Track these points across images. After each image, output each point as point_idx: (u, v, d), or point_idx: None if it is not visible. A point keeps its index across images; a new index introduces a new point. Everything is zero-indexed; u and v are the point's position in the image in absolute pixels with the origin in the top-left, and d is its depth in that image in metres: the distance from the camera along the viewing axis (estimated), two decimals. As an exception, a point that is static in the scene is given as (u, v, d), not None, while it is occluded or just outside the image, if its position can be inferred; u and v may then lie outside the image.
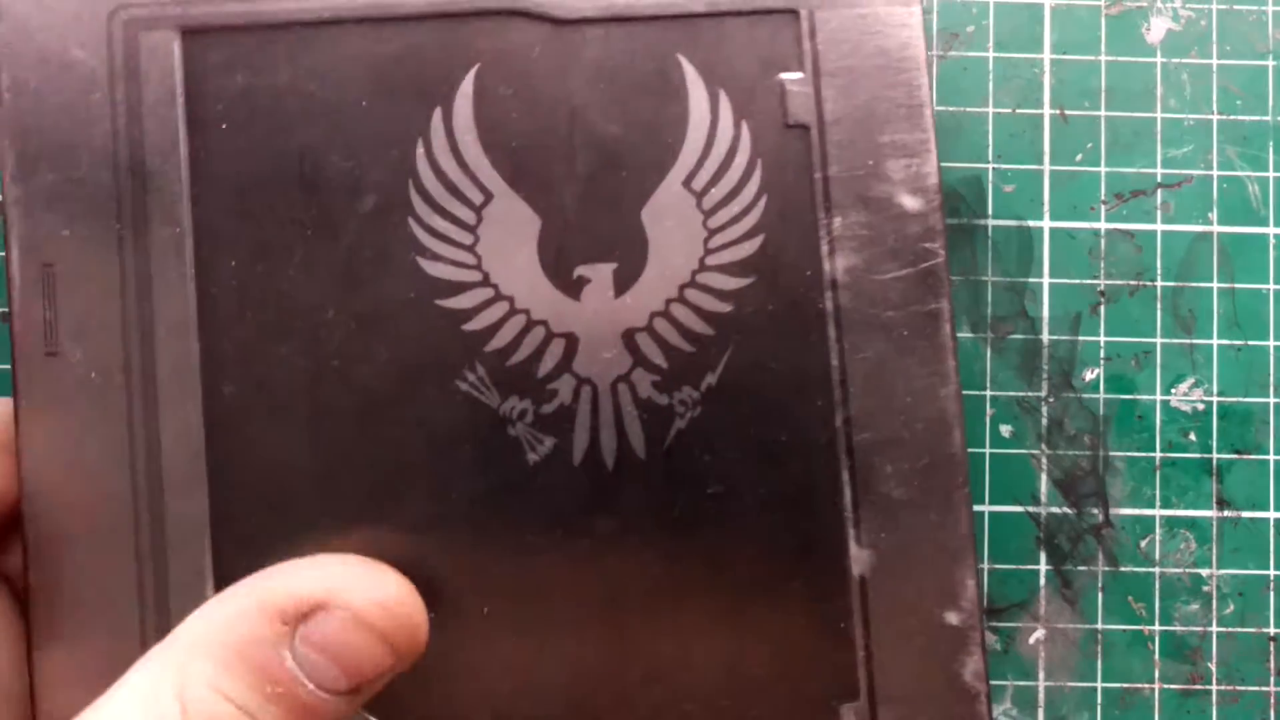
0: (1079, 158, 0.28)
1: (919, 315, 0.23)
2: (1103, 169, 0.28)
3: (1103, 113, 0.28)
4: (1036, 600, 0.27)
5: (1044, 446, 0.27)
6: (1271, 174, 0.28)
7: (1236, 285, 0.28)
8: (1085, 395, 0.27)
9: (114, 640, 0.22)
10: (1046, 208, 0.28)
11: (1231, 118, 0.28)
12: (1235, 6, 0.28)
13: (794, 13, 0.23)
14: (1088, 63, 0.28)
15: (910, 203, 0.23)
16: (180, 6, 0.22)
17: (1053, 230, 0.28)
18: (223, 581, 0.22)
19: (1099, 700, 0.27)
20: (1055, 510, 0.27)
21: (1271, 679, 0.27)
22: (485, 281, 0.23)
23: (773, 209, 0.23)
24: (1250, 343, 0.27)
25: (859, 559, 0.23)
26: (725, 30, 0.23)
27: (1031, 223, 0.28)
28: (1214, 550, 0.27)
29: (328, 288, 0.22)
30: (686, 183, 0.23)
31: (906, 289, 0.23)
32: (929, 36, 0.28)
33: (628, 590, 0.23)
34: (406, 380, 0.22)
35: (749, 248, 0.23)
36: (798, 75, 0.23)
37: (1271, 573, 0.27)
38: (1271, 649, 0.27)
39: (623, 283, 0.23)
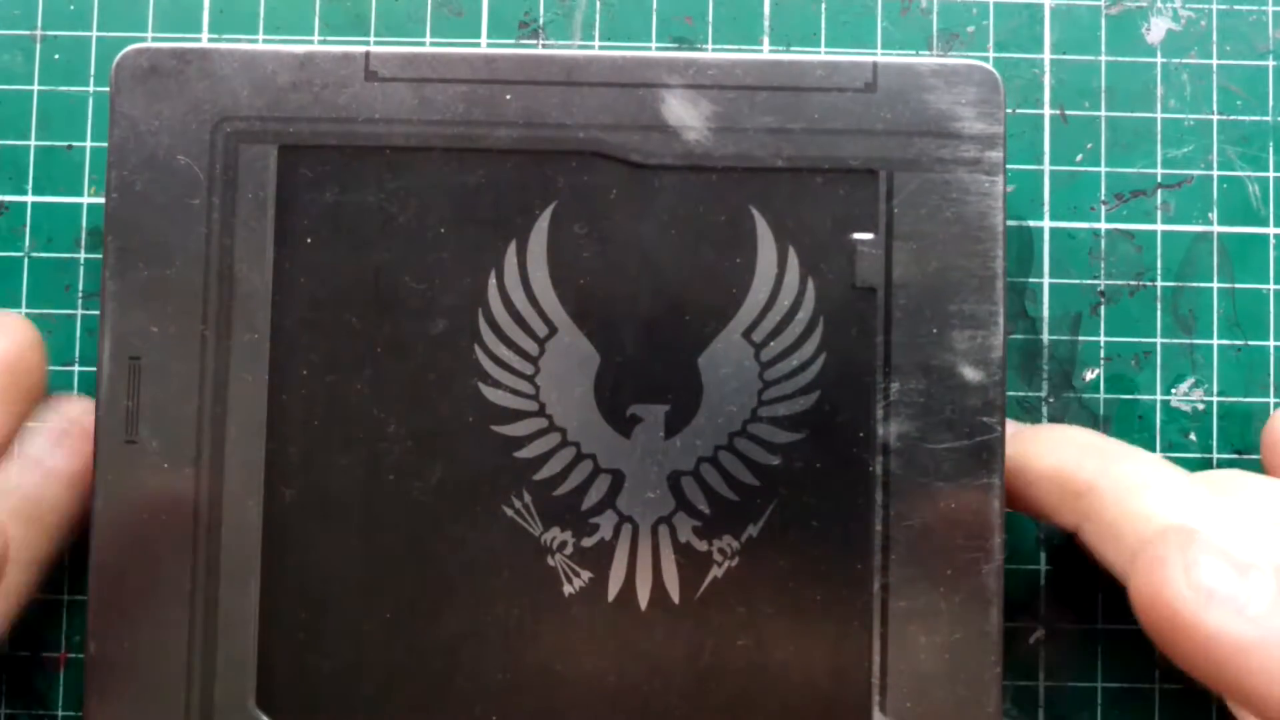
0: (1079, 158, 0.28)
1: (969, 489, 0.23)
2: (1103, 169, 0.28)
3: (1103, 113, 0.28)
4: (1036, 600, 0.27)
5: (1044, 446, 0.27)
6: (1272, 174, 0.28)
7: (1237, 285, 0.28)
8: (1085, 395, 0.27)
9: (160, 709, 0.23)
10: (1046, 208, 0.28)
11: (1232, 118, 0.28)
12: (1235, 6, 0.28)
13: (873, 173, 0.23)
14: (1088, 63, 0.28)
15: (972, 375, 0.23)
16: (280, 123, 0.23)
17: (1053, 230, 0.28)
18: (264, 669, 0.23)
19: (1099, 700, 0.27)
20: (1055, 510, 0.27)
21: None
22: (541, 412, 0.23)
23: (831, 367, 0.23)
24: (1250, 343, 0.27)
25: None
26: (801, 186, 0.23)
27: (1031, 223, 0.28)
28: (1214, 550, 0.27)
29: (391, 404, 0.23)
30: (747, 333, 0.23)
31: (959, 461, 0.23)
32: (929, 37, 0.28)
33: None
34: (456, 500, 0.23)
35: (803, 403, 0.23)
36: (869, 236, 0.23)
37: (1272, 573, 0.27)
38: None
39: (674, 426, 0.23)
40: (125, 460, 0.23)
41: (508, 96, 0.23)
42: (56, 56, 0.28)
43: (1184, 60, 0.28)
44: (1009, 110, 0.28)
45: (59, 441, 0.24)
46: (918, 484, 0.23)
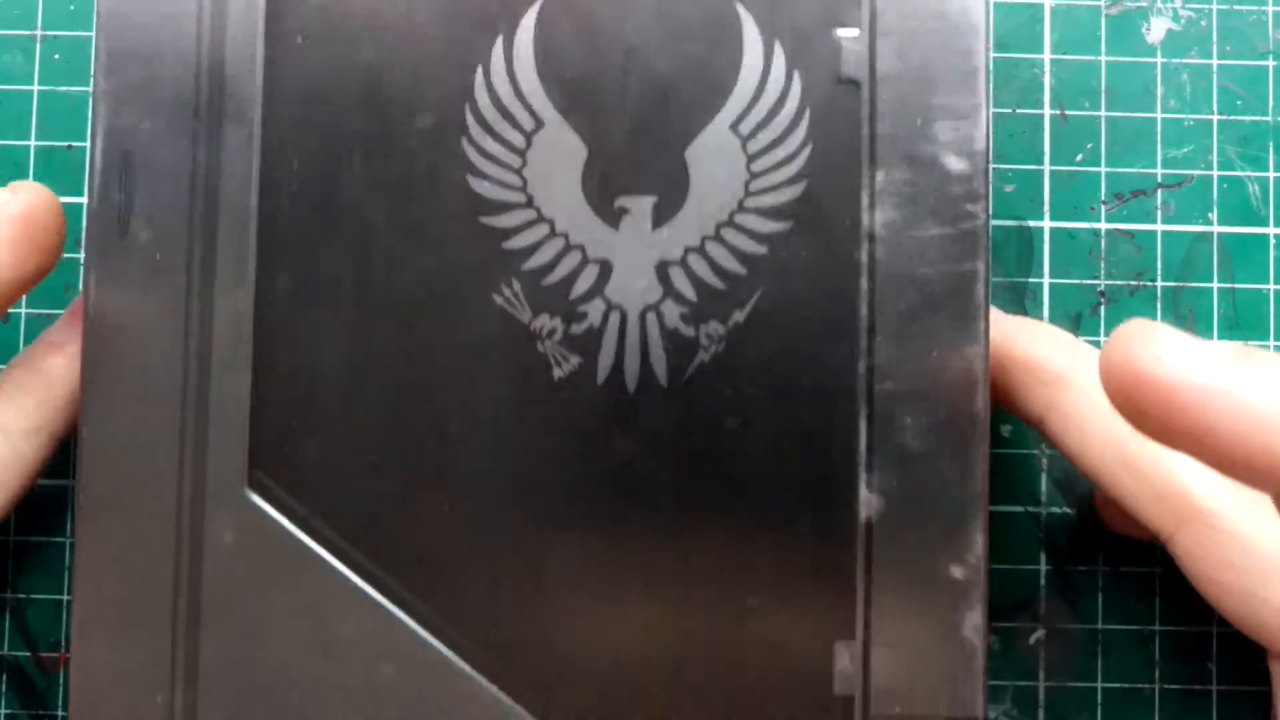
0: (1079, 158, 0.28)
1: (954, 275, 0.23)
2: (1103, 169, 0.28)
3: (1103, 113, 0.28)
4: (1037, 600, 0.27)
5: (1044, 447, 0.27)
6: (1272, 174, 0.28)
7: (1236, 285, 0.28)
8: (1085, 395, 0.27)
9: (152, 492, 0.23)
10: (1046, 208, 0.28)
11: (1232, 118, 0.28)
12: (1235, 6, 0.28)
13: None
14: (1088, 63, 0.28)
15: (955, 164, 0.23)
16: None
17: (1053, 230, 0.28)
18: (255, 453, 0.23)
19: (1099, 700, 0.27)
20: (1056, 510, 0.27)
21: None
22: (529, 204, 0.24)
23: (817, 158, 0.23)
24: (1251, 343, 0.27)
25: (869, 503, 0.23)
26: None
27: (1031, 223, 0.28)
28: (1215, 550, 0.27)
29: (380, 195, 0.23)
30: (734, 125, 0.24)
31: (944, 247, 0.23)
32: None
33: (636, 509, 0.23)
34: (446, 288, 0.23)
35: (790, 193, 0.23)
36: (854, 32, 0.23)
37: (1272, 573, 0.27)
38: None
39: (661, 216, 0.23)
40: (118, 254, 0.23)
41: None
42: (56, 56, 0.28)
43: (1184, 60, 0.28)
44: (1009, 110, 0.28)
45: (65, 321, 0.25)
46: (903, 270, 0.23)
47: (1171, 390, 0.19)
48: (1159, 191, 0.28)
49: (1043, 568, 0.27)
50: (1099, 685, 0.27)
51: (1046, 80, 0.28)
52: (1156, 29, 0.28)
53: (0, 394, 0.24)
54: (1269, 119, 0.28)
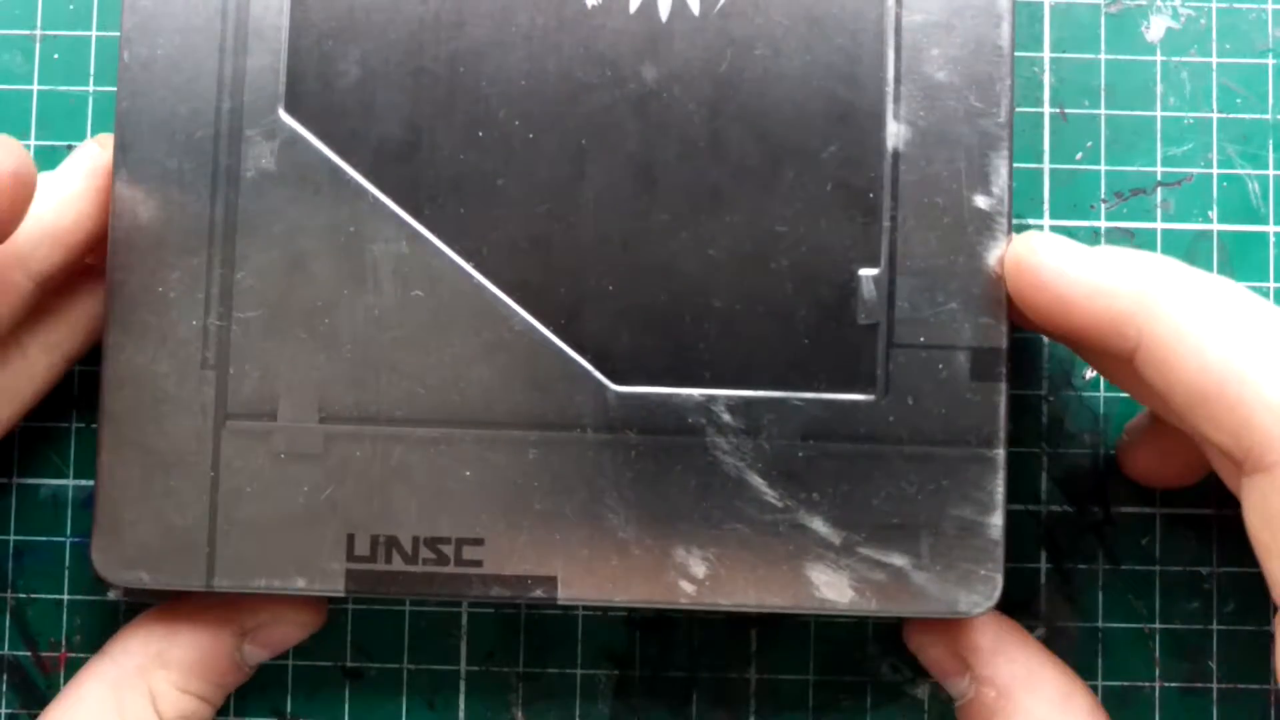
0: (1079, 156, 0.28)
1: None
2: (1102, 167, 0.28)
3: (1102, 111, 0.28)
4: (1037, 598, 0.27)
5: (1044, 445, 0.27)
6: (1271, 172, 0.28)
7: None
8: (1085, 394, 0.27)
9: (192, 113, 0.24)
10: (1046, 206, 0.28)
11: (1231, 116, 0.28)
12: (1235, 5, 0.28)
13: None
14: (1087, 61, 0.28)
15: None
16: None
17: (1053, 229, 0.28)
18: (293, 69, 0.24)
19: (1099, 699, 0.27)
20: (1056, 508, 0.27)
21: (1273, 678, 0.27)
22: None
23: None
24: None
25: (895, 133, 0.23)
26: None
27: (1031, 221, 0.28)
28: (1214, 548, 0.27)
29: None
30: None
31: None
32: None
33: (666, 137, 0.24)
34: None
35: None
36: None
37: (1272, 571, 0.27)
38: (1273, 647, 0.27)
39: None
40: None
41: None
42: (56, 56, 0.28)
43: (1184, 58, 0.28)
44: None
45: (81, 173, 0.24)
46: None
47: (1036, 268, 0.22)
48: (1159, 190, 0.28)
49: (1043, 566, 0.27)
50: (1099, 683, 0.27)
51: (1046, 79, 0.28)
52: (1156, 27, 0.28)
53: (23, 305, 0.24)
54: (1268, 117, 0.28)
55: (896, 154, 0.23)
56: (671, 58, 0.24)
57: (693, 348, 0.23)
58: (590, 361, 0.23)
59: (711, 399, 0.23)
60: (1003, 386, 0.23)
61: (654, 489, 0.23)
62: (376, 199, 0.24)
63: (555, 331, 0.23)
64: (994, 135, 0.23)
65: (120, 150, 0.24)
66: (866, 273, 0.23)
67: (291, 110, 0.24)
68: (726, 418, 0.23)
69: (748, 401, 0.23)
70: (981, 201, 0.23)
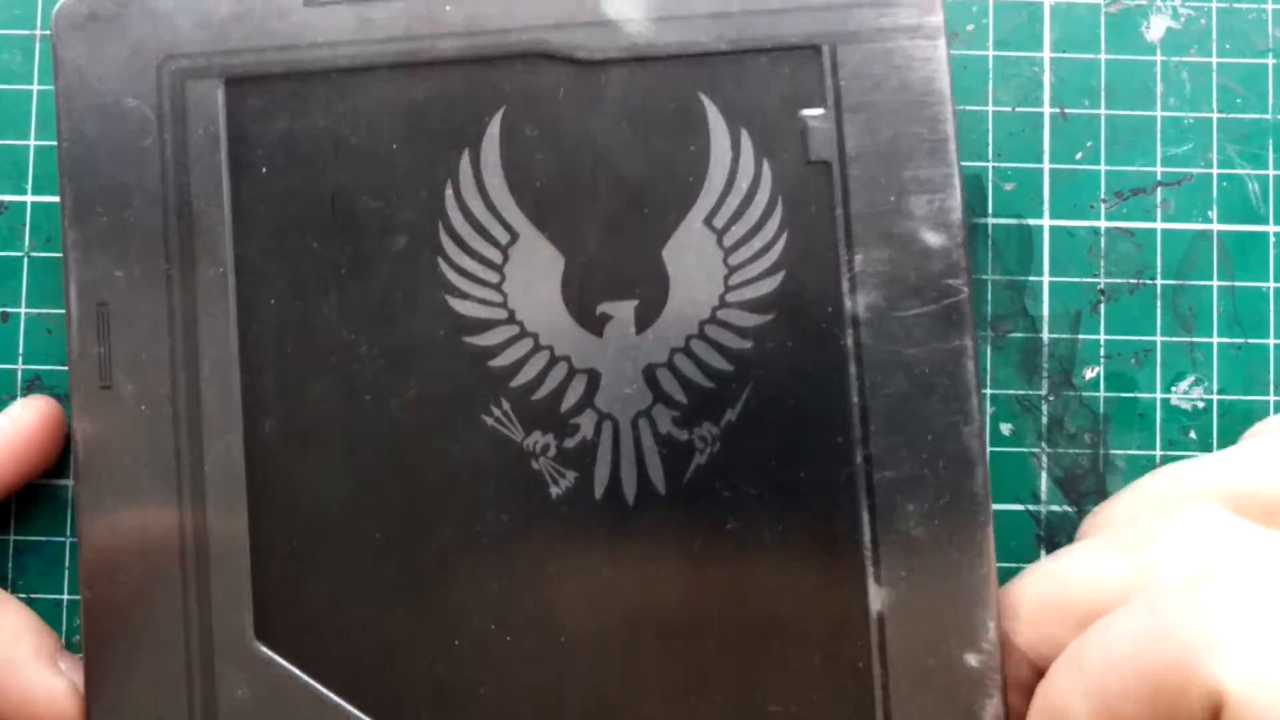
0: (1079, 156, 0.28)
1: (941, 352, 0.23)
2: (1102, 167, 0.28)
3: (1102, 111, 0.28)
4: (1037, 598, 0.27)
5: (1044, 445, 0.27)
6: (1271, 172, 0.28)
7: (1236, 283, 0.28)
8: (1085, 393, 0.27)
9: (161, 648, 0.23)
10: (1046, 206, 0.28)
11: (1231, 116, 0.28)
12: (1235, 4, 0.28)
13: (816, 49, 0.23)
14: (1087, 61, 0.28)
15: (933, 239, 0.23)
16: (224, 56, 0.23)
17: (1052, 229, 0.28)
18: (260, 601, 0.23)
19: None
20: (1056, 508, 0.27)
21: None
22: (511, 319, 0.23)
23: (794, 246, 0.23)
24: (1250, 341, 0.27)
25: (878, 597, 0.23)
26: (747, 68, 0.23)
27: (1031, 221, 0.28)
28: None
29: (360, 324, 0.23)
30: (708, 220, 0.23)
31: (929, 326, 0.23)
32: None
33: (647, 623, 0.23)
34: (435, 414, 0.23)
35: (769, 285, 0.23)
36: (819, 111, 0.23)
37: (1272, 571, 0.27)
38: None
39: (644, 320, 0.23)
40: (102, 406, 0.23)
41: (447, 7, 0.23)
42: (56, 56, 0.28)
43: (1183, 58, 0.28)
44: (1009, 108, 0.28)
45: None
46: (890, 353, 0.23)
47: None
48: (1159, 189, 0.28)
49: (1043, 566, 0.27)
50: (1099, 683, 0.27)
51: (1046, 78, 0.28)
52: (1156, 27, 0.28)
53: None
54: (1268, 117, 0.28)
55: (882, 619, 0.23)
56: (642, 541, 0.23)
57: None
58: None
59: None
60: None
61: None
62: (359, 718, 0.23)
63: None
64: (978, 588, 0.22)
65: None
66: None
67: (263, 636, 0.23)
68: None
69: None
70: (973, 659, 0.22)
